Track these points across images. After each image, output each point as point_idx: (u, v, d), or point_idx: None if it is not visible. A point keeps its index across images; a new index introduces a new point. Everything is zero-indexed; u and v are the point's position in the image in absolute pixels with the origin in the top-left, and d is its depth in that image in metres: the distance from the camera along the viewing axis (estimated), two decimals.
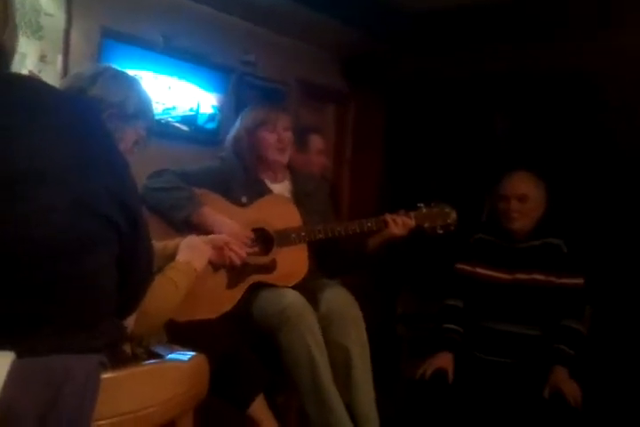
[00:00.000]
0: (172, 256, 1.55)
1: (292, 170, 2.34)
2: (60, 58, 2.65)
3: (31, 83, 0.84)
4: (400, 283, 3.58)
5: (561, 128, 3.51)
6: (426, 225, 2.18)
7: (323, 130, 3.33)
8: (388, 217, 2.13)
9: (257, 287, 2.04)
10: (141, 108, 1.51)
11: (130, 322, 0.99)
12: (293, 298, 1.93)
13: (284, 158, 2.24)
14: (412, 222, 2.14)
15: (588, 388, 2.10)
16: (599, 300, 2.56)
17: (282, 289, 1.99)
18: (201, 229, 1.95)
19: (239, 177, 2.19)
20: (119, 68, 1.58)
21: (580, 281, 2.27)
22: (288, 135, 2.23)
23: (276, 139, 2.20)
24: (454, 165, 3.88)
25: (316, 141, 2.88)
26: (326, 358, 1.90)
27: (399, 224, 2.12)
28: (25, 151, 0.74)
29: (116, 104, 1.44)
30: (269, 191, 2.21)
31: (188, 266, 1.47)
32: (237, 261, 1.84)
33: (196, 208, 1.98)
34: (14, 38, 0.85)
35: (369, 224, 2.13)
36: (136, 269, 0.94)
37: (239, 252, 1.83)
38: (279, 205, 2.17)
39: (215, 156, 2.33)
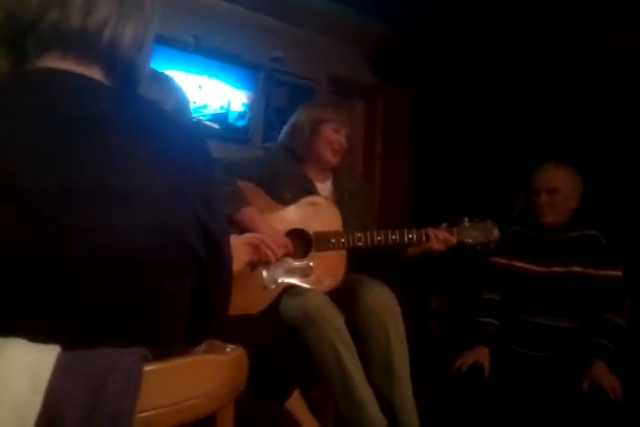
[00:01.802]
0: None
1: (335, 171, 2.32)
2: None
3: (149, 105, 0.85)
4: (433, 278, 3.56)
5: (597, 117, 3.44)
6: (467, 241, 2.13)
7: None
8: (431, 231, 2.09)
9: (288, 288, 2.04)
10: (179, 109, 1.52)
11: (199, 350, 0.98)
12: (317, 299, 1.92)
13: (336, 161, 2.23)
14: (453, 239, 2.10)
15: (629, 382, 2.06)
16: (638, 292, 2.51)
17: (307, 290, 1.99)
18: (241, 228, 1.95)
19: (283, 170, 2.17)
20: (158, 70, 1.59)
21: (618, 273, 2.23)
22: (347, 142, 2.23)
23: (338, 140, 2.20)
24: (486, 157, 3.84)
25: None
26: (356, 357, 1.89)
27: (440, 240, 2.08)
28: (124, 170, 0.75)
29: None
30: (314, 188, 2.20)
31: None
32: (272, 259, 1.83)
33: (240, 206, 1.96)
34: (148, 60, 0.89)
35: (410, 236, 2.09)
36: (211, 303, 0.93)
37: (275, 249, 1.82)
38: (322, 207, 2.14)
39: (259, 147, 2.33)
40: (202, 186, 0.83)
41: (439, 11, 3.50)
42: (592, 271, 2.23)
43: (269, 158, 2.20)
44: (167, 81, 1.55)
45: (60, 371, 0.66)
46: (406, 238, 2.09)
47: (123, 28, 0.82)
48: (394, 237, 2.08)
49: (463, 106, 3.99)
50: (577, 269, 2.24)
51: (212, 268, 0.87)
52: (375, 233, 2.08)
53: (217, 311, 0.98)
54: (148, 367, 0.71)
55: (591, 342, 2.14)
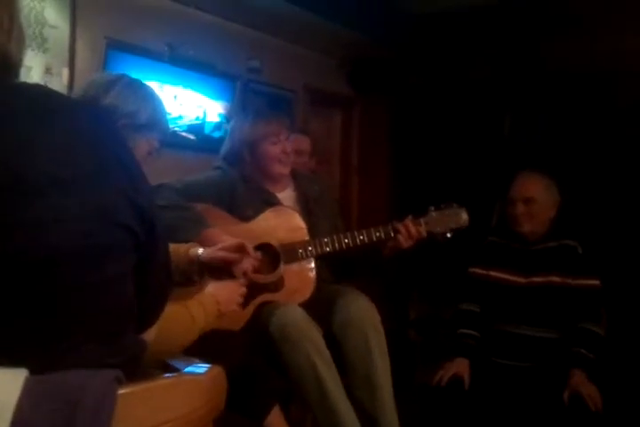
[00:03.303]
0: (180, 263, 1.52)
1: (294, 175, 2.29)
2: (65, 70, 2.65)
3: (42, 90, 0.82)
4: (411, 288, 3.56)
5: (573, 128, 3.49)
6: (437, 230, 2.07)
7: (309, 132, 3.22)
8: (397, 225, 2.04)
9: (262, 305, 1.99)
10: (155, 119, 1.47)
11: (149, 336, 0.95)
12: (294, 314, 1.88)
13: (287, 169, 2.20)
14: (422, 231, 2.04)
15: (608, 391, 2.07)
16: (616, 301, 2.53)
17: (282, 305, 1.94)
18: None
19: (240, 188, 2.13)
20: (134, 77, 1.52)
21: (596, 282, 2.25)
22: (289, 144, 2.19)
23: (281, 150, 2.16)
24: (463, 167, 3.86)
25: (295, 142, 2.85)
26: (334, 373, 1.85)
27: (411, 233, 2.02)
28: (41, 158, 0.72)
29: (129, 114, 1.40)
30: (276, 198, 2.16)
31: (212, 300, 1.43)
32: (248, 271, 1.75)
33: (201, 230, 1.90)
34: (21, 47, 0.84)
35: (377, 234, 2.04)
36: (155, 279, 0.91)
37: (246, 267, 1.73)
38: (284, 217, 2.10)
39: (212, 166, 2.27)
40: (121, 161, 0.81)
41: (415, 23, 3.52)
42: (570, 281, 2.23)
43: (225, 178, 2.15)
44: (143, 89, 1.49)
45: (27, 397, 0.62)
46: (374, 237, 2.04)
47: None
48: (361, 237, 2.03)
49: (439, 118, 4.01)
50: (555, 279, 2.24)
51: (149, 245, 0.85)
52: (342, 236, 2.04)
53: (161, 290, 0.96)
54: (121, 390, 0.68)
55: (570, 351, 2.14)
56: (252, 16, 3.32)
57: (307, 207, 2.19)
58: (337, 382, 1.84)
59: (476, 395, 2.11)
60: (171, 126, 3.01)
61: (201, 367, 0.83)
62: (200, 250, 1.66)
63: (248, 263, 1.72)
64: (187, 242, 1.81)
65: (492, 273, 2.34)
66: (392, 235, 2.04)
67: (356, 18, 3.53)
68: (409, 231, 2.02)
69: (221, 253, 1.66)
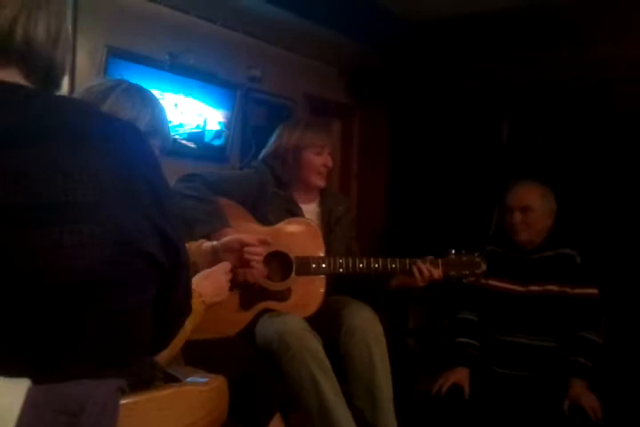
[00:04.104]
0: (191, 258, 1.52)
1: (322, 192, 2.30)
2: (65, 78, 2.66)
3: (80, 106, 0.80)
4: (410, 297, 3.55)
5: (571, 136, 3.50)
6: (452, 273, 2.09)
7: None
8: (416, 264, 2.05)
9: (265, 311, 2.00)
10: (155, 125, 1.42)
11: (160, 356, 0.94)
12: (295, 324, 1.88)
13: (323, 183, 2.22)
14: (438, 273, 2.06)
15: (608, 400, 2.07)
16: (614, 310, 2.53)
17: (284, 314, 1.94)
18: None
19: (269, 192, 2.14)
20: (133, 83, 1.46)
21: (594, 291, 2.25)
22: (330, 160, 2.23)
23: (322, 162, 2.19)
24: (462, 176, 3.86)
25: None
26: (335, 383, 1.85)
27: (424, 273, 2.04)
28: (67, 181, 0.70)
29: None
30: (300, 210, 2.17)
31: (197, 299, 1.40)
32: (259, 259, 1.73)
33: (220, 227, 1.92)
34: (66, 56, 0.82)
35: (392, 266, 2.05)
36: (174, 305, 0.90)
37: (258, 251, 1.72)
38: (304, 230, 2.10)
39: (247, 165, 2.28)
40: (149, 186, 0.78)
41: (414, 32, 3.53)
42: (568, 290, 2.24)
43: (256, 178, 2.17)
44: (142, 95, 1.43)
45: (30, 407, 0.62)
46: (389, 267, 2.06)
47: (34, 23, 0.77)
48: (376, 265, 2.04)
49: (438, 125, 4.02)
50: (553, 288, 2.25)
51: (172, 273, 0.83)
52: (357, 260, 2.04)
53: (179, 314, 0.95)
54: (124, 400, 0.68)
55: (569, 360, 2.14)
56: (252, 25, 3.33)
57: (328, 225, 2.21)
58: (336, 392, 1.84)
59: (476, 404, 2.11)
60: (172, 134, 3.03)
61: (203, 378, 0.83)
62: (215, 241, 1.66)
63: (263, 250, 1.73)
64: (205, 235, 1.84)
65: (491, 282, 2.34)
66: (407, 269, 2.06)
67: (356, 26, 3.54)
68: (421, 272, 2.04)
69: (243, 237, 1.67)
